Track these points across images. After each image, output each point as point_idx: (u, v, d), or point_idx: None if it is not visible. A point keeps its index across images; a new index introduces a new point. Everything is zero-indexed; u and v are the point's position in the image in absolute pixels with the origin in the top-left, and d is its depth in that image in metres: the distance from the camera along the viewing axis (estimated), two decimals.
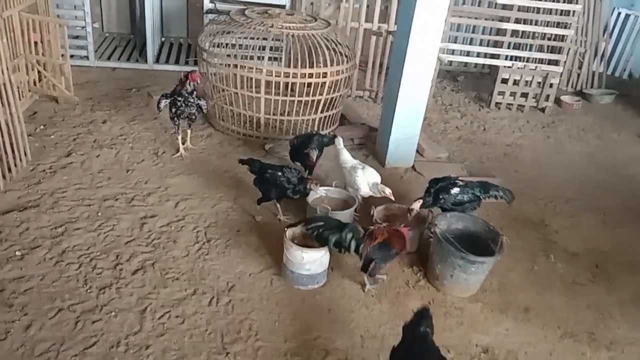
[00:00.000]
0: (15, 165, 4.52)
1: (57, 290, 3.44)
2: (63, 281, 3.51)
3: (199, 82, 5.01)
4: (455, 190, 4.10)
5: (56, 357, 2.98)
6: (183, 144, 5.25)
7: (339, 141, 4.74)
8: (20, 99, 5.03)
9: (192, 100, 4.97)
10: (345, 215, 4.26)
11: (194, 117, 5.14)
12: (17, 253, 3.70)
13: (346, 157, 4.61)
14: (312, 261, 3.59)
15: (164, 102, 5.01)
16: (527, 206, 5.06)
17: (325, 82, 5.46)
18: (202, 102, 5.08)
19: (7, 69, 4.36)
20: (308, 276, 3.66)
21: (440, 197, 4.10)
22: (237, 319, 3.40)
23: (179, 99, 4.95)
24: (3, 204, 4.16)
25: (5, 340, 3.04)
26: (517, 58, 7.43)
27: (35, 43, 5.66)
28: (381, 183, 4.40)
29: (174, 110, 5.02)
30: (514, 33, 7.72)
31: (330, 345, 3.28)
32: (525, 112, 7.44)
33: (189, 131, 5.31)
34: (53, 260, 3.67)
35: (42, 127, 5.38)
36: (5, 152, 4.37)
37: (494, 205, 4.96)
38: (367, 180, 4.39)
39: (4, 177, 4.34)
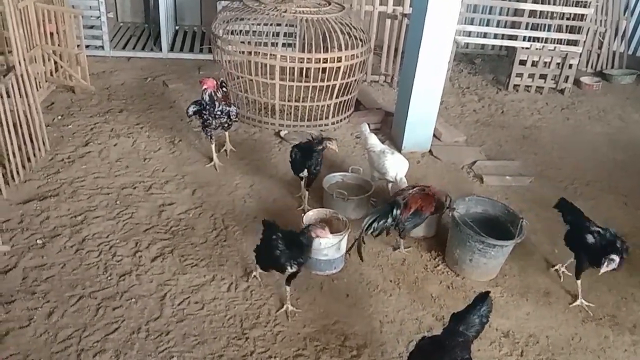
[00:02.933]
0: (34, 155, 4.58)
1: (78, 277, 3.48)
2: (83, 269, 3.56)
3: (215, 88, 4.51)
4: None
5: (78, 343, 3.03)
6: (218, 151, 4.91)
7: (365, 126, 4.70)
8: (37, 90, 5.07)
9: (219, 110, 4.54)
10: (361, 201, 4.24)
11: (227, 125, 4.75)
12: (38, 241, 3.75)
13: (374, 140, 4.56)
14: (329, 246, 3.59)
15: (193, 109, 4.57)
16: (547, 189, 4.99)
17: (340, 67, 5.41)
18: (232, 109, 4.66)
19: (24, 59, 4.39)
20: (326, 261, 3.66)
21: None
22: (255, 304, 3.42)
23: (204, 112, 4.52)
24: (23, 193, 4.22)
25: (29, 327, 3.09)
26: (535, 39, 7.29)
27: (51, 34, 5.69)
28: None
29: (201, 120, 4.63)
30: (532, 13, 7.56)
31: (349, 330, 3.28)
32: (544, 94, 7.31)
33: (226, 134, 4.97)
34: (73, 248, 3.72)
35: (59, 117, 5.43)
36: (25, 143, 4.42)
37: (513, 189, 4.91)
38: (396, 165, 4.34)
39: (23, 166, 4.39)
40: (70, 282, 3.43)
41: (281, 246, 3.22)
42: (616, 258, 3.30)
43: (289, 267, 3.24)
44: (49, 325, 3.12)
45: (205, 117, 4.57)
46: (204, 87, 4.47)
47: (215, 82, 4.55)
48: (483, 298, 2.75)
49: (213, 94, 4.52)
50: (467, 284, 3.75)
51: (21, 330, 3.07)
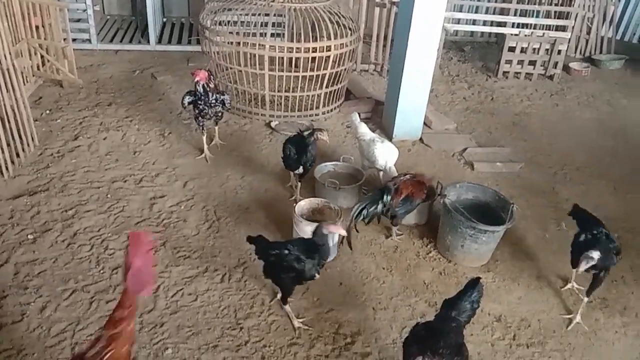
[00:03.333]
0: (23, 150, 4.54)
1: (71, 271, 3.47)
2: (76, 263, 3.54)
3: (207, 79, 4.53)
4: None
5: (72, 337, 3.02)
6: (210, 143, 4.95)
7: (356, 115, 4.70)
8: (24, 84, 5.01)
9: (213, 99, 4.60)
10: (353, 190, 4.25)
11: (220, 114, 4.80)
12: (29, 237, 3.73)
13: (364, 129, 4.57)
14: None
15: (188, 99, 4.61)
16: (537, 174, 5.02)
17: (329, 56, 5.39)
18: (226, 97, 4.71)
19: (10, 53, 4.34)
20: None
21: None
22: (249, 294, 3.42)
23: (199, 102, 4.57)
24: (13, 188, 4.18)
25: (22, 322, 3.08)
26: (524, 25, 7.30)
27: (37, 27, 5.62)
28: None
29: (197, 111, 4.65)
30: (520, 0, 7.57)
31: (343, 318, 3.30)
32: (534, 81, 7.33)
33: (216, 127, 5.00)
34: (65, 243, 3.70)
35: (48, 111, 5.38)
36: (13, 138, 4.38)
37: (503, 175, 4.94)
38: (385, 153, 4.35)
39: (12, 162, 4.36)
40: (63, 277, 3.42)
41: (303, 259, 3.07)
42: (595, 255, 3.11)
43: (317, 274, 3.14)
44: (42, 319, 3.11)
45: (201, 107, 4.60)
46: (197, 79, 4.48)
47: (207, 74, 4.55)
48: (474, 284, 2.78)
49: (206, 85, 4.53)
50: (459, 269, 3.78)
51: (14, 325, 3.06)
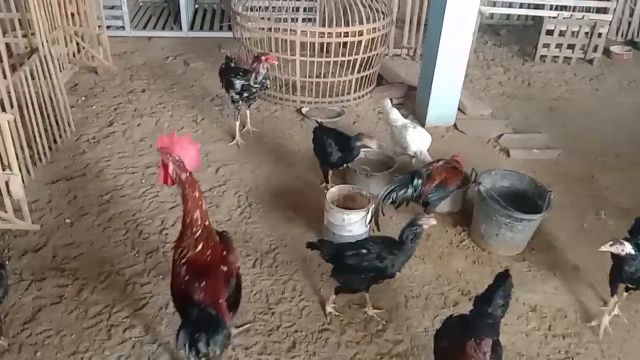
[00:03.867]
0: (60, 136, 4.64)
1: (106, 255, 3.54)
2: (111, 246, 3.61)
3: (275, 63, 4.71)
4: None
5: (108, 319, 3.09)
6: (241, 129, 4.94)
7: (387, 101, 4.64)
8: (61, 71, 5.11)
9: (264, 81, 4.64)
10: (385, 177, 4.21)
11: (257, 97, 4.86)
12: (66, 220, 3.82)
13: (396, 115, 4.50)
14: (353, 222, 3.57)
15: (240, 83, 4.55)
16: (576, 162, 4.87)
17: (361, 41, 5.32)
18: (267, 80, 4.75)
19: (47, 41, 4.42)
20: (350, 237, 3.64)
21: None
22: (281, 279, 3.44)
23: (254, 85, 4.55)
24: (51, 173, 4.28)
25: (60, 304, 3.17)
26: (562, 7, 7.05)
27: (72, 14, 5.71)
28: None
29: (246, 94, 4.61)
30: None
31: (374, 305, 3.27)
32: (572, 65, 7.09)
33: (248, 113, 4.99)
34: (101, 227, 3.78)
35: (83, 98, 5.48)
36: (50, 124, 4.48)
37: (540, 162, 4.82)
38: (417, 139, 4.29)
39: (50, 148, 4.46)
40: (99, 260, 3.50)
41: (385, 256, 2.99)
42: (628, 249, 2.92)
43: (398, 271, 3.09)
44: (79, 301, 3.19)
45: (253, 90, 4.61)
46: (272, 62, 4.60)
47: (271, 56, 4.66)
48: (503, 278, 2.69)
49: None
50: (494, 258, 3.71)
51: (53, 306, 3.15)
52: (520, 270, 3.63)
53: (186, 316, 2.34)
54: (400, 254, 3.01)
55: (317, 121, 4.39)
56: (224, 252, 2.62)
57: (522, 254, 3.77)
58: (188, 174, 2.50)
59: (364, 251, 3.00)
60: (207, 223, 2.56)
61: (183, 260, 2.51)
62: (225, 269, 2.56)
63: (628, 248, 2.95)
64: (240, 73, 4.59)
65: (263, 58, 4.51)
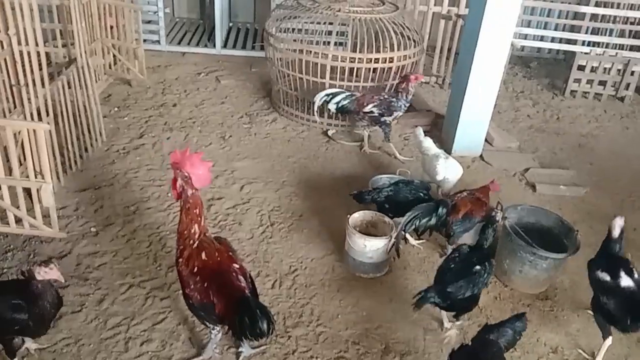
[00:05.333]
0: (92, 145, 4.73)
1: (129, 266, 3.58)
2: (134, 258, 3.65)
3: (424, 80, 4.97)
4: None
5: (127, 331, 3.11)
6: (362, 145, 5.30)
7: (420, 130, 4.63)
8: (96, 82, 5.24)
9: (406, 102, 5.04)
10: None
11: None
12: (92, 229, 3.88)
13: (429, 144, 4.49)
14: (374, 249, 3.56)
15: (378, 111, 5.02)
16: (603, 200, 4.79)
17: (391, 67, 5.35)
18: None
19: (86, 52, 4.54)
20: (370, 264, 3.63)
21: None
22: (299, 303, 3.42)
23: (406, 104, 5.01)
24: (80, 181, 4.37)
25: (81, 312, 3.20)
26: (595, 44, 7.01)
27: (111, 27, 5.87)
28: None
29: (389, 121, 5.06)
30: (593, 17, 7.28)
31: (391, 336, 3.24)
32: (603, 101, 7.02)
33: (366, 133, 5.30)
34: (125, 238, 3.83)
35: (116, 109, 5.59)
36: (82, 133, 4.58)
37: (567, 199, 4.75)
38: (448, 170, 4.27)
39: (81, 156, 4.55)
40: (121, 271, 3.53)
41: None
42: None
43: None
44: (99, 311, 3.23)
45: (395, 114, 5.04)
46: (420, 80, 5.02)
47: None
48: (519, 316, 2.81)
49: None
50: (516, 295, 3.65)
51: (73, 315, 3.18)
52: (543, 309, 3.56)
53: (243, 306, 2.54)
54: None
55: None
56: (229, 253, 2.85)
57: (545, 292, 3.70)
58: (194, 190, 2.71)
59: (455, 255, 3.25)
60: (206, 234, 2.82)
61: (195, 270, 2.71)
62: (237, 266, 2.78)
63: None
64: (378, 101, 4.99)
65: (412, 77, 4.90)
